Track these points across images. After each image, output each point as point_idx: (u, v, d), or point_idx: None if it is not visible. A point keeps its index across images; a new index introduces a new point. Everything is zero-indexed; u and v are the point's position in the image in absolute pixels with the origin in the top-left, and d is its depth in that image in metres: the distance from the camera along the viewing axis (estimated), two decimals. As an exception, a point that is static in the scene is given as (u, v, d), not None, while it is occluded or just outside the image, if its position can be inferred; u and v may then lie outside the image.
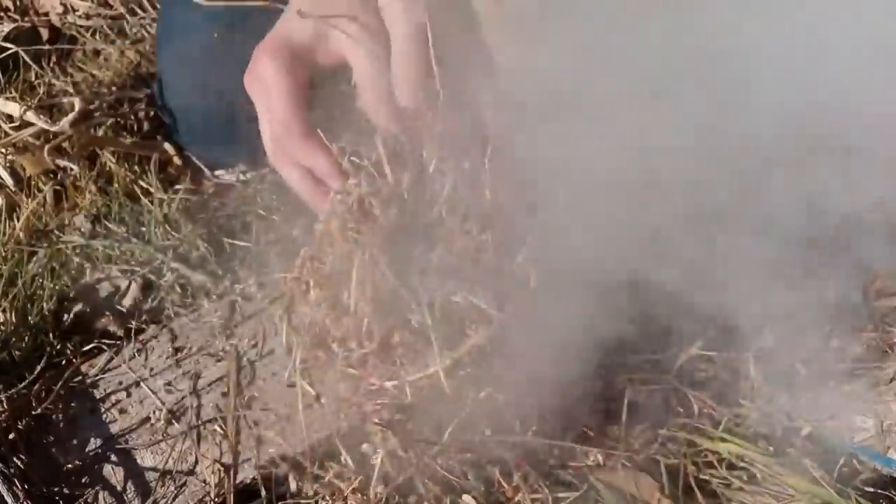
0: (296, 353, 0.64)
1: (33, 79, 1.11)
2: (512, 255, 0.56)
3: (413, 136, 0.56)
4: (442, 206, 0.55)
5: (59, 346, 0.82)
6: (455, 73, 0.55)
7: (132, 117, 1.04)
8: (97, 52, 1.15)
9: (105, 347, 0.81)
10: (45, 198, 0.96)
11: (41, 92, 1.09)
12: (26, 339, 0.83)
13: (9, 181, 0.97)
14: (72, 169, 0.97)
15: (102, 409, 0.77)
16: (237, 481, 0.72)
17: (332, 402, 0.67)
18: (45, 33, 1.19)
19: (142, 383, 0.78)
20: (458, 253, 0.55)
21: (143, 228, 0.94)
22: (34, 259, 0.90)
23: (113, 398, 0.77)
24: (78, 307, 0.85)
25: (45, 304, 0.85)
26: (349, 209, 0.56)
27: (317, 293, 0.59)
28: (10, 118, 1.01)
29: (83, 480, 0.72)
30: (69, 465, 0.73)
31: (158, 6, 1.17)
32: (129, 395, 0.78)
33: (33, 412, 0.75)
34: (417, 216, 0.56)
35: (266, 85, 0.58)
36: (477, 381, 0.57)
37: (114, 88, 1.08)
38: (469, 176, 0.56)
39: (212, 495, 0.71)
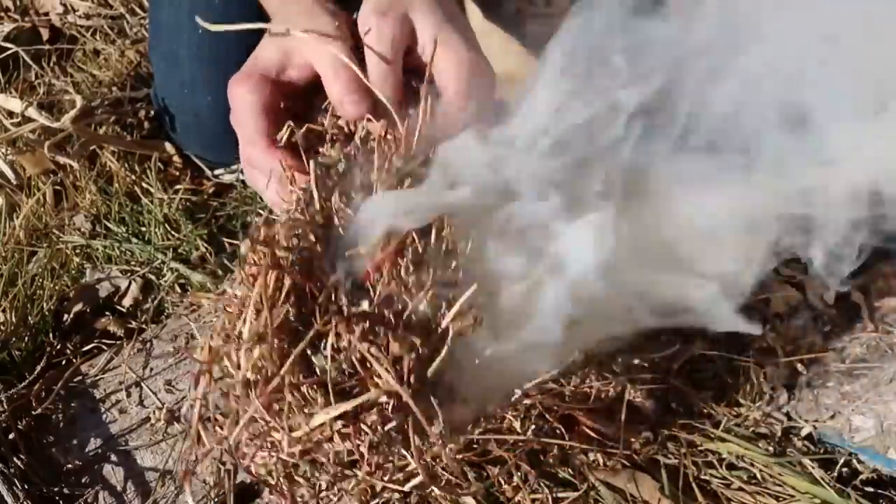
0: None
1: (33, 78, 1.11)
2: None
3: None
4: None
5: (59, 346, 0.83)
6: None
7: (132, 117, 1.04)
8: (97, 52, 1.16)
9: (105, 347, 0.82)
10: (44, 197, 0.96)
11: (41, 91, 1.09)
12: (26, 339, 0.83)
13: (10, 175, 0.97)
14: (72, 167, 0.97)
15: (102, 409, 0.77)
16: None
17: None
18: (45, 33, 1.19)
19: (142, 383, 0.78)
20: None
21: (143, 228, 0.94)
22: (34, 259, 0.90)
23: (113, 398, 0.77)
24: (78, 307, 0.85)
25: (45, 304, 0.85)
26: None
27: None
28: (11, 114, 1.01)
29: (83, 480, 0.72)
30: (69, 465, 0.73)
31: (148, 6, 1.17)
32: (129, 395, 0.78)
33: (33, 412, 0.75)
34: None
35: (234, 107, 0.61)
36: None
37: (114, 88, 1.09)
38: None
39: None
